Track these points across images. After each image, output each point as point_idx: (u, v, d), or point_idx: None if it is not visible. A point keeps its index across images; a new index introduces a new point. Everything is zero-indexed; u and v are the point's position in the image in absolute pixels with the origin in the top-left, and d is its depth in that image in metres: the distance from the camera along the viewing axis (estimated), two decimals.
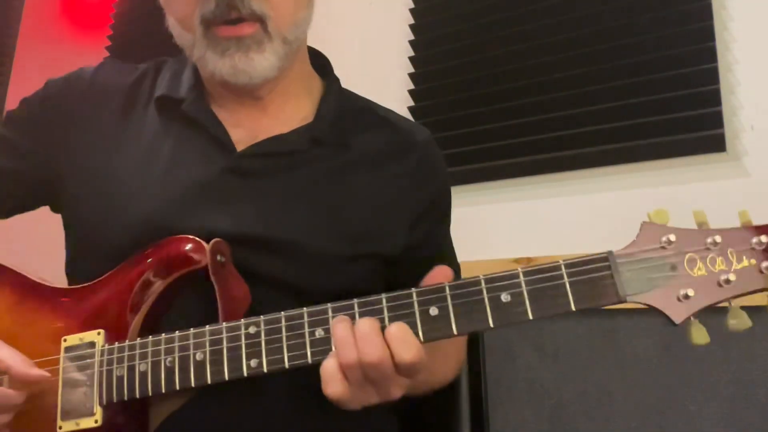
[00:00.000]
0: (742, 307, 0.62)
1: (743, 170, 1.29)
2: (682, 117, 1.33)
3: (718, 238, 0.61)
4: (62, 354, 0.74)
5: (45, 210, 0.94)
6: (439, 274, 0.69)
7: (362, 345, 0.63)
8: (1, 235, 1.02)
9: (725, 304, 0.62)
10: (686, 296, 0.61)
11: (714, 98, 1.31)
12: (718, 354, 1.19)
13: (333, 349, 0.65)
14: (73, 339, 0.74)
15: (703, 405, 1.20)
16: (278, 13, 0.78)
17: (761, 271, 0.60)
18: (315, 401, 0.73)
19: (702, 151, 1.31)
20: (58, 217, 0.91)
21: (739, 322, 0.61)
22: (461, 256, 0.99)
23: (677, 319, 0.61)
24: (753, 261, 0.60)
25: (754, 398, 1.17)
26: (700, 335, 0.61)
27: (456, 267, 0.98)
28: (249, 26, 0.77)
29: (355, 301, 0.67)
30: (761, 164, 1.27)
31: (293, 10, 0.80)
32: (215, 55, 0.78)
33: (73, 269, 0.88)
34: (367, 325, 0.64)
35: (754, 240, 0.60)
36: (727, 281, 0.60)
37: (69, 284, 0.86)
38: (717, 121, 1.30)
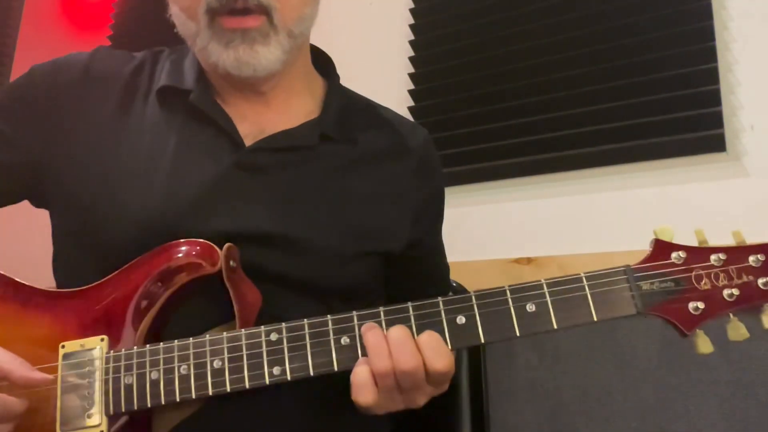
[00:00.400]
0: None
1: (743, 170, 1.28)
2: (682, 117, 1.33)
3: (722, 256, 0.67)
4: (60, 361, 0.70)
5: (24, 204, 0.90)
6: None
7: (397, 353, 0.63)
8: None
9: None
10: (696, 309, 0.66)
11: (714, 98, 1.31)
12: (718, 354, 1.19)
13: (359, 356, 0.65)
14: (72, 345, 0.71)
15: (703, 405, 1.20)
16: (285, 6, 0.77)
17: (759, 287, 0.66)
18: (324, 409, 0.73)
19: (702, 151, 1.31)
20: (39, 212, 0.87)
21: (739, 333, 0.66)
22: (461, 257, 0.99)
23: (688, 330, 0.66)
24: (751, 277, 0.67)
25: (754, 398, 1.17)
26: (705, 345, 0.67)
27: (446, 266, 1.01)
28: (255, 18, 0.76)
29: (381, 309, 0.67)
30: (761, 164, 1.27)
31: (300, 4, 0.79)
32: (219, 47, 0.77)
33: (64, 268, 0.85)
34: (400, 333, 0.64)
35: (752, 258, 0.67)
36: (731, 295, 0.66)
37: (57, 284, 0.83)
38: (717, 121, 1.30)
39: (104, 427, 0.68)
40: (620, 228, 1.35)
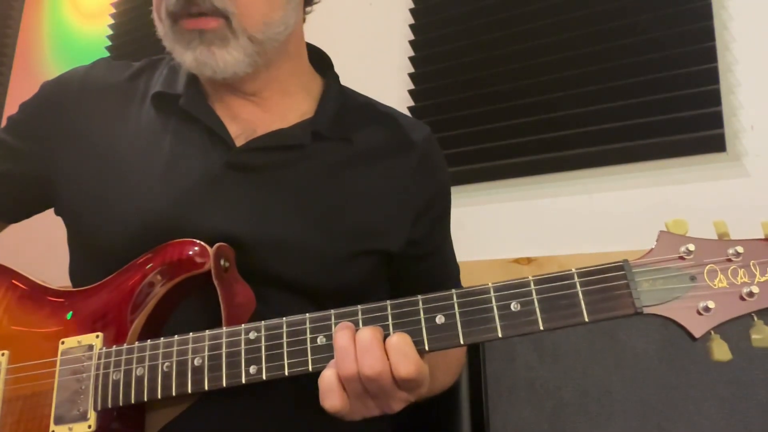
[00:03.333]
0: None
1: (743, 170, 1.28)
2: (682, 117, 1.33)
3: (740, 249, 0.59)
4: (59, 356, 0.73)
5: (49, 212, 0.93)
6: None
7: (362, 356, 0.60)
8: (7, 238, 1.02)
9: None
10: (706, 309, 0.58)
11: (714, 98, 1.31)
12: None
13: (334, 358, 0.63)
14: (71, 342, 0.73)
15: (703, 405, 1.20)
16: (243, 12, 0.77)
17: None
18: (316, 408, 0.72)
19: (702, 151, 1.31)
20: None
21: (764, 338, 0.58)
22: (461, 257, 0.99)
23: (697, 333, 0.58)
24: None
25: (754, 398, 1.17)
26: (721, 351, 0.58)
27: (455, 267, 0.99)
28: (212, 20, 0.77)
29: (360, 307, 0.64)
30: (761, 164, 1.27)
31: (264, 9, 0.79)
32: (181, 47, 0.79)
33: (75, 272, 0.88)
34: (368, 335, 0.61)
35: None
36: (751, 294, 0.58)
37: (72, 287, 0.86)
38: (717, 121, 1.30)
39: (92, 422, 0.69)
40: (620, 228, 1.35)
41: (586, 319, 0.59)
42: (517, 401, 1.35)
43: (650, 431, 1.23)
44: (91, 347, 0.72)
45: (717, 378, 1.19)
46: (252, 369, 0.65)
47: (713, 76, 1.32)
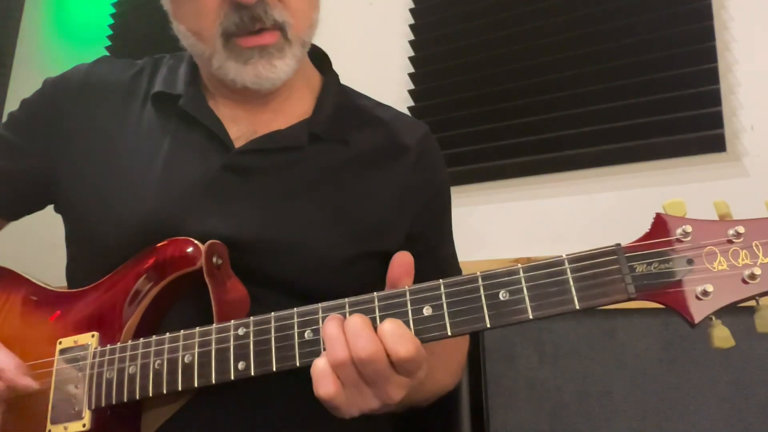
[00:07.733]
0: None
1: (743, 170, 1.28)
2: (682, 117, 1.33)
3: (740, 229, 0.55)
4: (56, 356, 0.73)
5: (48, 211, 0.93)
6: (399, 262, 0.65)
7: (353, 340, 0.59)
8: (7, 238, 1.02)
9: (751, 303, 0.56)
10: (705, 293, 0.55)
11: (714, 98, 1.31)
12: (718, 354, 1.19)
13: (322, 350, 0.62)
14: (67, 341, 0.74)
15: (703, 405, 1.20)
16: (297, 19, 0.78)
17: None
18: (312, 407, 0.71)
19: (702, 151, 1.31)
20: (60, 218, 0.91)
21: None
22: (461, 257, 0.98)
23: (695, 318, 0.55)
24: None
25: (753, 398, 1.17)
26: (722, 338, 0.55)
27: (456, 265, 0.98)
28: (271, 35, 0.77)
29: (347, 300, 0.64)
30: (761, 164, 1.27)
31: (311, 13, 0.81)
32: (238, 65, 0.78)
33: (72, 272, 0.88)
34: (357, 320, 0.61)
35: None
36: (753, 276, 0.54)
37: (69, 287, 0.86)
38: (717, 121, 1.30)
39: (87, 420, 0.69)
40: (620, 228, 1.35)
41: (577, 306, 0.57)
42: (517, 401, 1.35)
43: (650, 431, 1.23)
44: (86, 347, 0.72)
45: (717, 378, 1.20)
46: (240, 365, 0.64)
47: (713, 76, 1.32)
